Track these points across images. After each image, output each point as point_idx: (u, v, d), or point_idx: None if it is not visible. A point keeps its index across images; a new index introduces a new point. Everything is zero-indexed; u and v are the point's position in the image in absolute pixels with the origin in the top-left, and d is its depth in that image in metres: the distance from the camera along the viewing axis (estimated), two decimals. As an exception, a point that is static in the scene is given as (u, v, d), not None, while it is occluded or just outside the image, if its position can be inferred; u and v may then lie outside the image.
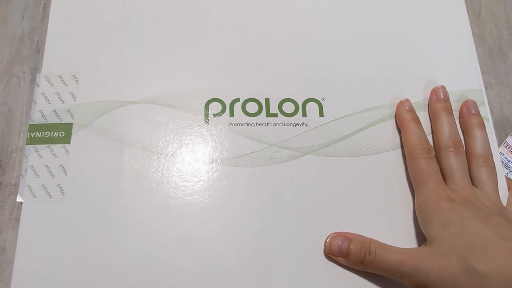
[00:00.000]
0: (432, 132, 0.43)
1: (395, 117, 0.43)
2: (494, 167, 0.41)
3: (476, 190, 0.39)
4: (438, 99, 0.43)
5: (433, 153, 0.40)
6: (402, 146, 0.42)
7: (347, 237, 0.38)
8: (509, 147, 0.46)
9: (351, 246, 0.37)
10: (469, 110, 0.43)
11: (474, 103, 0.43)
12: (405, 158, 0.42)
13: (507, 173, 0.46)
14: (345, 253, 0.38)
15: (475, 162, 0.40)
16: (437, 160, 0.40)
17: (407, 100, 0.43)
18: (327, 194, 0.41)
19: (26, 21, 0.48)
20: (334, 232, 0.39)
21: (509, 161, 0.46)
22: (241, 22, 0.47)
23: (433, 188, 0.38)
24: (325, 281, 0.38)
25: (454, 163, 0.40)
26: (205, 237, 0.39)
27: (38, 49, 0.46)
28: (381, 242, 0.38)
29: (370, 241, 0.38)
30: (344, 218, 0.40)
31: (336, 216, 0.40)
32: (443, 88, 0.44)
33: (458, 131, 0.42)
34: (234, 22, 0.47)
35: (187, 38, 0.46)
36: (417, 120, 0.42)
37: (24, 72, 0.46)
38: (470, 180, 0.40)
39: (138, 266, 0.38)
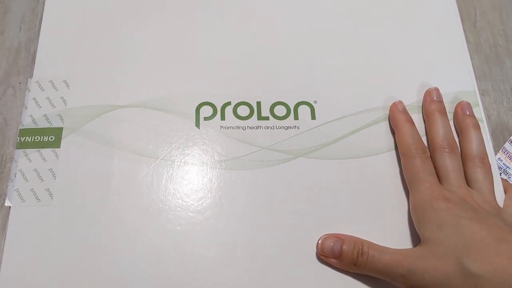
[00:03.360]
0: (426, 134, 0.42)
1: (389, 119, 0.43)
2: (490, 168, 0.40)
3: (472, 191, 0.38)
4: (432, 101, 0.43)
5: (428, 153, 0.40)
6: (395, 148, 0.42)
7: (340, 238, 0.37)
8: (507, 153, 0.46)
9: (344, 247, 0.37)
10: (463, 111, 0.42)
11: (468, 105, 0.43)
12: (399, 160, 0.41)
13: (506, 179, 0.45)
14: (337, 254, 0.37)
15: (470, 163, 0.40)
16: (432, 161, 0.40)
17: (400, 101, 0.43)
18: (319, 197, 0.40)
19: (23, 32, 0.49)
20: (326, 233, 0.38)
21: (507, 167, 0.45)
22: (233, 26, 0.47)
23: (429, 188, 0.37)
24: (317, 283, 0.37)
25: (449, 163, 0.39)
26: (196, 241, 0.38)
27: (35, 60, 0.46)
28: (374, 243, 0.37)
29: (363, 242, 0.37)
30: (337, 221, 0.39)
31: (329, 218, 0.39)
32: (437, 89, 0.43)
33: (452, 132, 0.41)
34: (225, 26, 0.47)
35: (177, 42, 0.46)
36: (410, 121, 0.42)
37: (20, 83, 0.46)
38: (465, 180, 0.39)
39: (127, 270, 0.37)
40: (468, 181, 0.39)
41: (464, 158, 0.40)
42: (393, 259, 0.35)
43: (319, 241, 0.38)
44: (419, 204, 0.37)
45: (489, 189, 0.39)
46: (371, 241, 0.37)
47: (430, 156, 0.40)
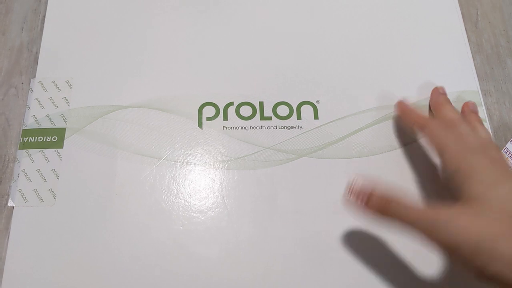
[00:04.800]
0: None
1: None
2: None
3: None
4: (439, 94, 0.43)
5: None
6: (398, 147, 0.42)
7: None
8: (509, 153, 0.46)
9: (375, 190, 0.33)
10: (470, 109, 0.42)
11: (474, 105, 0.43)
12: (402, 158, 0.41)
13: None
14: (367, 194, 0.33)
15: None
16: None
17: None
18: (322, 196, 0.40)
19: (25, 32, 0.49)
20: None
21: (509, 167, 0.45)
22: (235, 27, 0.47)
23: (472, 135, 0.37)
24: (320, 282, 0.37)
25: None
26: (198, 240, 0.39)
27: (37, 60, 0.46)
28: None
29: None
30: (339, 220, 0.39)
31: (331, 218, 0.39)
32: (443, 88, 0.43)
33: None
34: (228, 27, 0.47)
35: (180, 43, 0.46)
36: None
37: (22, 83, 0.46)
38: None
39: (130, 270, 0.38)
40: None
41: None
42: (431, 210, 0.32)
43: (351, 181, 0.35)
44: (464, 150, 0.35)
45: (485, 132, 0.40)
46: (373, 241, 0.37)
47: None
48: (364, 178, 0.35)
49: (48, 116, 0.43)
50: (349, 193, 0.34)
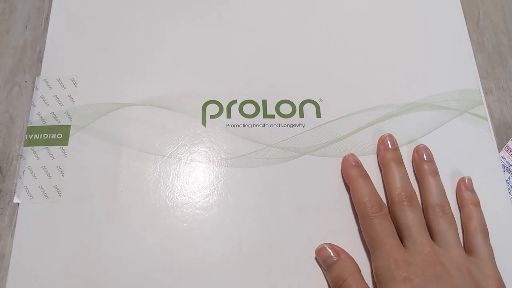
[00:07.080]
0: (384, 185, 0.41)
1: (342, 174, 0.41)
2: (452, 216, 0.38)
3: (436, 248, 0.36)
4: (386, 149, 0.41)
5: (386, 210, 0.37)
6: (400, 146, 0.42)
7: (337, 254, 0.37)
8: (510, 151, 0.46)
9: (334, 266, 0.37)
10: (420, 157, 0.41)
11: (425, 149, 0.42)
12: (403, 157, 0.41)
13: (509, 177, 0.46)
14: (326, 267, 0.37)
15: (432, 213, 0.38)
16: (391, 216, 0.38)
17: (352, 154, 0.41)
18: (324, 194, 0.40)
19: (29, 31, 0.49)
20: (327, 243, 0.38)
21: (510, 165, 0.46)
22: (238, 24, 0.47)
23: (389, 252, 0.35)
24: (324, 281, 0.38)
25: (410, 218, 0.37)
26: (202, 237, 0.39)
27: (40, 59, 0.46)
28: (363, 281, 0.36)
29: (352, 273, 0.36)
30: (342, 219, 0.39)
31: (333, 216, 0.40)
32: (391, 136, 0.42)
33: (410, 182, 0.39)
34: (231, 24, 0.47)
35: (183, 41, 0.46)
36: (365, 176, 0.39)
37: (26, 81, 0.46)
38: (428, 234, 0.37)
39: (135, 266, 0.38)
40: (431, 232, 0.37)
41: (424, 207, 0.39)
42: None
43: (319, 247, 0.38)
44: (381, 272, 0.35)
45: (453, 240, 0.37)
46: None
47: (390, 210, 0.38)
48: (333, 248, 0.38)
49: (53, 113, 0.43)
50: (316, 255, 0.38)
